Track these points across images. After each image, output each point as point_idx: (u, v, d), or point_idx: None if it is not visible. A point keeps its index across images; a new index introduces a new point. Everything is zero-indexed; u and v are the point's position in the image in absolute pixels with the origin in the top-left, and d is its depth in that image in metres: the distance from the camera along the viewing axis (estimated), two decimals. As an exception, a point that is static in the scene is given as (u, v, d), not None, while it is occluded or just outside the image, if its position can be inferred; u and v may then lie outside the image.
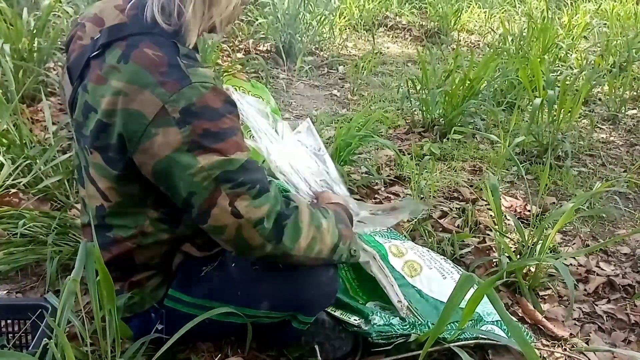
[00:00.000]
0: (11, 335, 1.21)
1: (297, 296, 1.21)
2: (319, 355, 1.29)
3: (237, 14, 1.14)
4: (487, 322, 1.41)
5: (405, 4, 5.83)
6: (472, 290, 1.15)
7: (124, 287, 1.20)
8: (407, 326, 1.33)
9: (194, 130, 0.98)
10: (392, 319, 1.34)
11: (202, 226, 1.07)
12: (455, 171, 2.53)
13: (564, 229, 2.09)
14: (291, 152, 1.40)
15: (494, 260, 1.82)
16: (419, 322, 1.35)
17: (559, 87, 2.69)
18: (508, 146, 2.38)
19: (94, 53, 1.07)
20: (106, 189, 1.11)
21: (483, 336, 1.36)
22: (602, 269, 1.87)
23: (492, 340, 1.35)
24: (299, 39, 4.16)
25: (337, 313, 1.35)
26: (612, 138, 3.08)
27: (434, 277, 1.51)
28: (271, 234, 1.05)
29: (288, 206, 1.10)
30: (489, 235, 1.99)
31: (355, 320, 1.33)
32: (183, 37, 1.05)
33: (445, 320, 1.12)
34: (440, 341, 1.30)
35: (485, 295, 1.14)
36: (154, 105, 0.97)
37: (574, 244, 2.03)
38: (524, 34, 4.16)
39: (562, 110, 2.66)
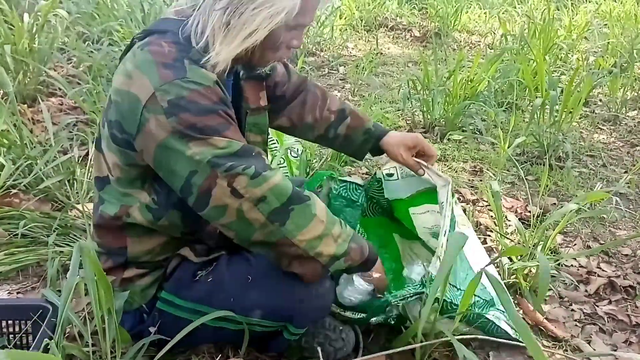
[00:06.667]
0: (12, 335, 1.21)
1: (289, 307, 1.20)
2: (320, 356, 1.28)
3: (272, 55, 1.14)
4: (499, 309, 1.40)
5: (405, 4, 5.83)
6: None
7: (115, 283, 1.20)
8: (420, 286, 1.30)
9: (180, 122, 1.01)
10: (404, 289, 1.32)
11: (202, 212, 1.07)
12: (456, 172, 2.53)
13: (564, 230, 2.09)
14: None
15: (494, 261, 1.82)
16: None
17: (561, 87, 2.69)
18: (508, 147, 2.38)
19: (138, 36, 1.13)
20: (112, 163, 1.14)
21: (483, 335, 1.35)
22: (603, 270, 1.87)
23: (494, 338, 1.35)
24: (300, 39, 4.16)
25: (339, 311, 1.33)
26: (612, 139, 3.08)
27: (473, 243, 1.52)
28: (275, 214, 1.05)
29: (300, 195, 1.09)
30: (489, 236, 1.99)
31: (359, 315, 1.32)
32: (203, 53, 1.07)
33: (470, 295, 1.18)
34: (439, 335, 1.29)
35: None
36: (147, 90, 1.02)
37: (575, 244, 2.03)
38: (525, 34, 4.16)
39: (564, 111, 2.66)
